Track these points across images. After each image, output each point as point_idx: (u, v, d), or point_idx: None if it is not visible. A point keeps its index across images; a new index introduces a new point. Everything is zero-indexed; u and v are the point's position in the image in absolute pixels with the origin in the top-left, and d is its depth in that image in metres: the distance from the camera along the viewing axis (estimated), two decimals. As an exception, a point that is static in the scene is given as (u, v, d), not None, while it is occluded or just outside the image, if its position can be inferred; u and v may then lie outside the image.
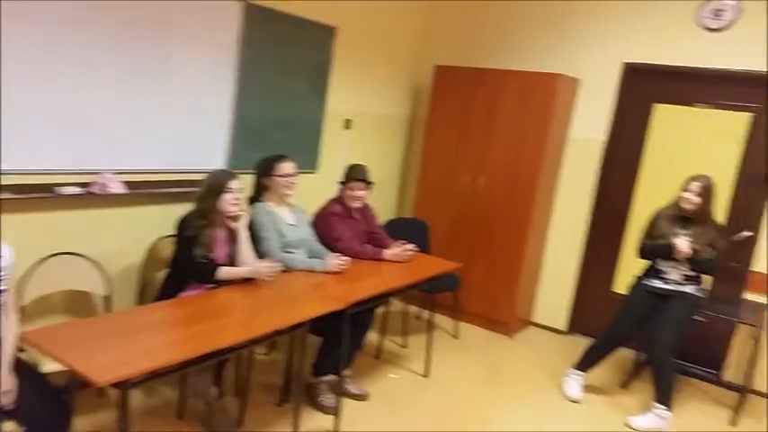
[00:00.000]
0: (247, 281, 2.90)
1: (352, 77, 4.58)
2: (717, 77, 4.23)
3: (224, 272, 2.84)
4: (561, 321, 4.96)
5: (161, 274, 3.07)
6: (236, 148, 3.74)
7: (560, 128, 4.67)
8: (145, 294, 3.24)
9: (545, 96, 4.46)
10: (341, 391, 3.24)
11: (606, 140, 4.66)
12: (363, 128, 4.82)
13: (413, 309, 4.70)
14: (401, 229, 4.27)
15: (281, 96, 4.02)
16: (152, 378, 2.16)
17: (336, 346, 3.11)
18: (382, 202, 4.96)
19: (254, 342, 2.60)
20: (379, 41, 4.83)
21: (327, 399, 3.28)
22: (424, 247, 4.20)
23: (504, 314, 4.75)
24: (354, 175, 3.61)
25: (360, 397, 3.45)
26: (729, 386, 4.18)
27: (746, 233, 4.19)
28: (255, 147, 3.74)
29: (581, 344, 4.02)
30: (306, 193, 3.61)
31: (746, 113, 4.19)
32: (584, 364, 3.86)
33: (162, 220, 3.16)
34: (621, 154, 4.66)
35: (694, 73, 4.27)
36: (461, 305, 4.63)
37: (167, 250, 3.08)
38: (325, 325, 2.88)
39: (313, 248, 3.43)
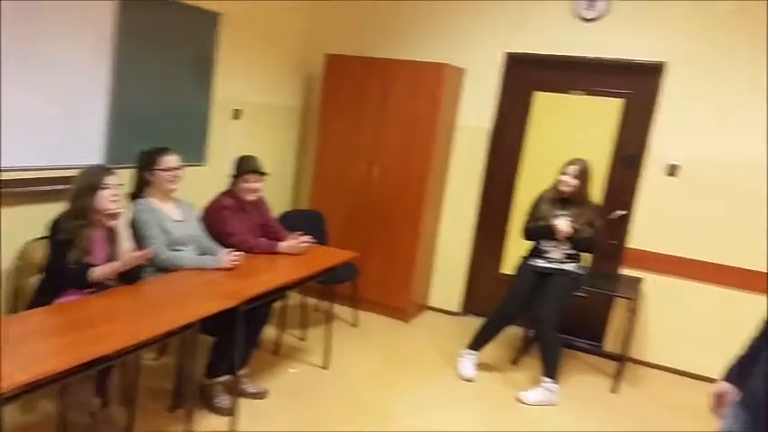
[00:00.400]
0: (130, 283, 2.76)
1: (240, 66, 4.45)
2: (591, 66, 4.48)
3: (96, 272, 2.66)
4: (455, 304, 5.11)
5: (34, 280, 2.85)
6: (114, 141, 3.53)
7: (448, 117, 4.77)
8: (17, 302, 2.99)
9: (432, 85, 4.53)
10: (237, 392, 3.15)
11: (491, 128, 4.82)
12: (254, 118, 4.71)
13: (311, 301, 4.67)
14: (297, 220, 4.21)
15: (163, 86, 3.83)
16: (26, 392, 1.99)
17: (230, 345, 3.01)
18: (276, 194, 4.87)
19: (141, 346, 2.47)
20: (268, 29, 4.72)
21: (223, 400, 3.18)
22: (320, 238, 4.17)
23: (400, 300, 4.83)
24: (247, 166, 3.50)
25: (257, 395, 3.37)
26: (610, 356, 4.48)
27: (621, 212, 4.50)
28: (137, 140, 3.53)
29: (474, 324, 4.13)
30: (194, 186, 3.47)
31: (618, 99, 4.47)
32: (477, 343, 4.00)
33: (34, 221, 2.91)
34: (506, 141, 4.83)
35: (571, 62, 4.50)
36: (360, 294, 4.66)
37: (40, 253, 2.86)
38: (217, 324, 2.79)
39: (203, 245, 3.30)
